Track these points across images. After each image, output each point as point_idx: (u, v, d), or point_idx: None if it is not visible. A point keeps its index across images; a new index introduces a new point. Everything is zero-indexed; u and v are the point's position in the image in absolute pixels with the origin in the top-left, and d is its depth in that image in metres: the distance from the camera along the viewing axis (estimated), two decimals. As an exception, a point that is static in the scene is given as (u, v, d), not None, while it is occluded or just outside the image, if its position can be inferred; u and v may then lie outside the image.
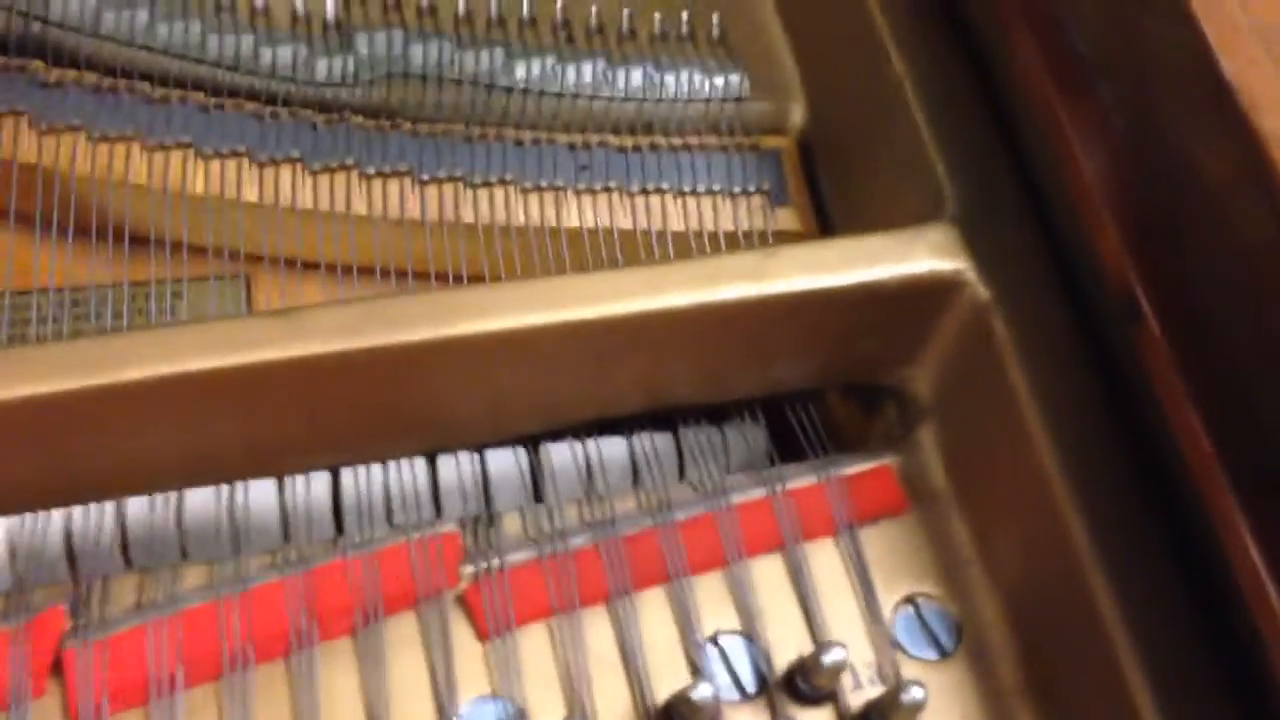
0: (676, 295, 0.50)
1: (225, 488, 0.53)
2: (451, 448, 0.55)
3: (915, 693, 0.46)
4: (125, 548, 0.52)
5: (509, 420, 0.53)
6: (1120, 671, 0.45)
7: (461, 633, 0.49)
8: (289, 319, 0.48)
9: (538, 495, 0.55)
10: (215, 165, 0.60)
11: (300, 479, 0.54)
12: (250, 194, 0.60)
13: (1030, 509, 0.50)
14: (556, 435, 0.56)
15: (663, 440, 0.57)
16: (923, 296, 0.52)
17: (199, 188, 0.60)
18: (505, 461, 0.56)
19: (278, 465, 0.53)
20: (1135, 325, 0.46)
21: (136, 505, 0.52)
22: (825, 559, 0.52)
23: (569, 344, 0.49)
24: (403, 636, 0.48)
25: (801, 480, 0.53)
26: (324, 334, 0.48)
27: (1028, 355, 0.51)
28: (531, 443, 0.56)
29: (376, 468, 0.54)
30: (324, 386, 0.48)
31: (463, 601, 0.49)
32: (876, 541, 0.53)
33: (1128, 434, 0.49)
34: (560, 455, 0.56)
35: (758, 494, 0.53)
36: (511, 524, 0.52)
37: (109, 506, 0.51)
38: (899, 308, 0.52)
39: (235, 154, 0.60)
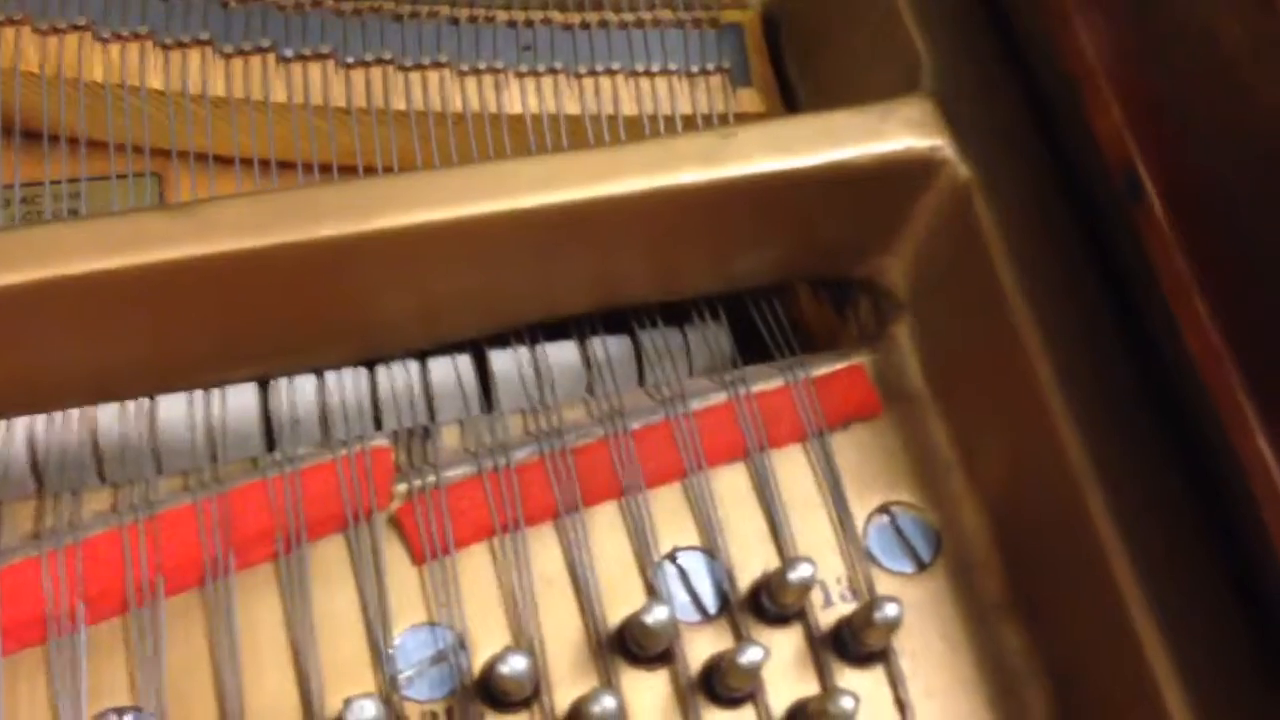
0: (627, 180, 0.45)
1: (146, 402, 0.48)
2: (385, 355, 0.50)
3: (890, 610, 0.42)
4: (36, 469, 0.47)
5: (446, 324, 0.49)
6: (1114, 585, 0.41)
7: (395, 557, 0.44)
8: (193, 213, 0.43)
9: (488, 406, 0.51)
10: (115, 49, 0.55)
11: (220, 393, 0.49)
12: (155, 81, 0.55)
13: (1017, 410, 0.46)
14: (503, 341, 0.52)
15: (618, 345, 0.52)
16: (897, 177, 0.47)
17: (97, 74, 0.54)
18: (449, 370, 0.51)
19: (191, 378, 0.48)
20: (1136, 204, 0.42)
21: (43, 423, 0.47)
22: (793, 467, 0.48)
23: (505, 237, 0.45)
24: (330, 562, 0.44)
25: (766, 383, 0.49)
26: (232, 230, 0.43)
27: (1013, 241, 0.46)
28: (477, 350, 0.51)
29: (309, 380, 0.50)
30: (232, 289, 0.43)
31: (395, 522, 0.45)
32: (848, 447, 0.48)
33: (1124, 327, 0.45)
34: (506, 362, 0.51)
35: (719, 399, 0.48)
36: (449, 437, 0.47)
37: (10, 424, 0.47)
38: (871, 190, 0.47)
39: (137, 36, 0.55)
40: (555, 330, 0.52)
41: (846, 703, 0.41)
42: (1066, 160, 0.47)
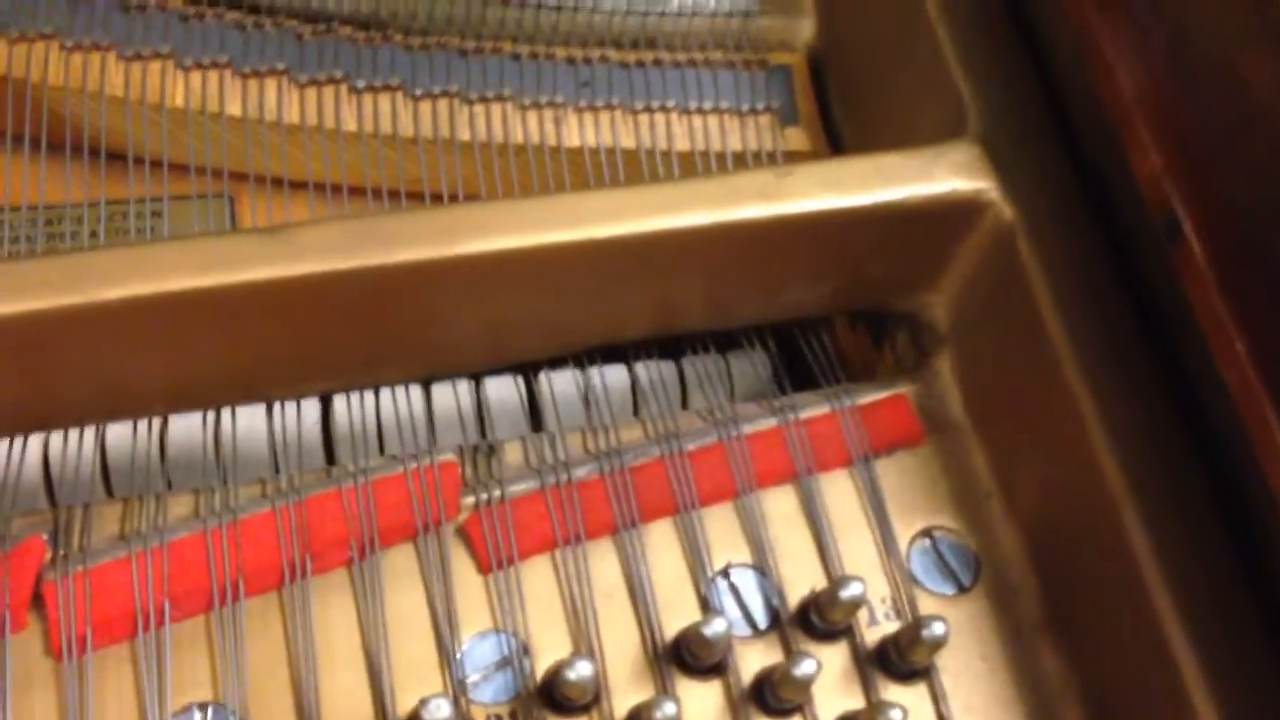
0: (690, 215, 0.47)
1: (211, 414, 0.51)
2: (449, 374, 0.52)
3: (937, 628, 0.44)
4: (106, 476, 0.50)
5: (510, 345, 0.51)
6: (1150, 608, 0.43)
7: (462, 566, 0.47)
8: (277, 236, 0.45)
9: (536, 425, 0.53)
10: (196, 77, 0.57)
11: (290, 406, 0.51)
12: (233, 108, 0.57)
13: (1056, 441, 0.48)
14: (556, 364, 0.54)
15: (666, 369, 0.55)
16: (944, 218, 0.49)
17: (178, 100, 0.57)
18: (503, 390, 0.54)
19: (265, 391, 0.50)
20: (1175, 245, 0.44)
21: (118, 431, 0.50)
22: (839, 491, 0.50)
23: (575, 265, 0.47)
24: (401, 569, 0.46)
25: (814, 409, 0.51)
26: (314, 252, 0.45)
27: (1054, 280, 0.48)
28: (530, 371, 0.54)
29: (370, 395, 0.52)
30: (313, 308, 0.46)
31: (463, 533, 0.47)
32: (892, 473, 0.51)
33: (1161, 363, 0.47)
34: (560, 383, 0.54)
35: (769, 423, 0.51)
36: (513, 453, 0.50)
37: (90, 432, 0.49)
38: (918, 229, 0.49)
39: (217, 65, 0.57)
40: (605, 354, 0.54)
41: (895, 715, 0.43)
42: (1106, 202, 0.50)
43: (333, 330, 0.47)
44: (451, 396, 0.53)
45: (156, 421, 0.50)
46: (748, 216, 0.47)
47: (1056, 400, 0.47)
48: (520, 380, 0.54)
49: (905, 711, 0.43)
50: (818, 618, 0.46)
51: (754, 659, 0.46)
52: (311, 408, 0.52)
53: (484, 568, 0.46)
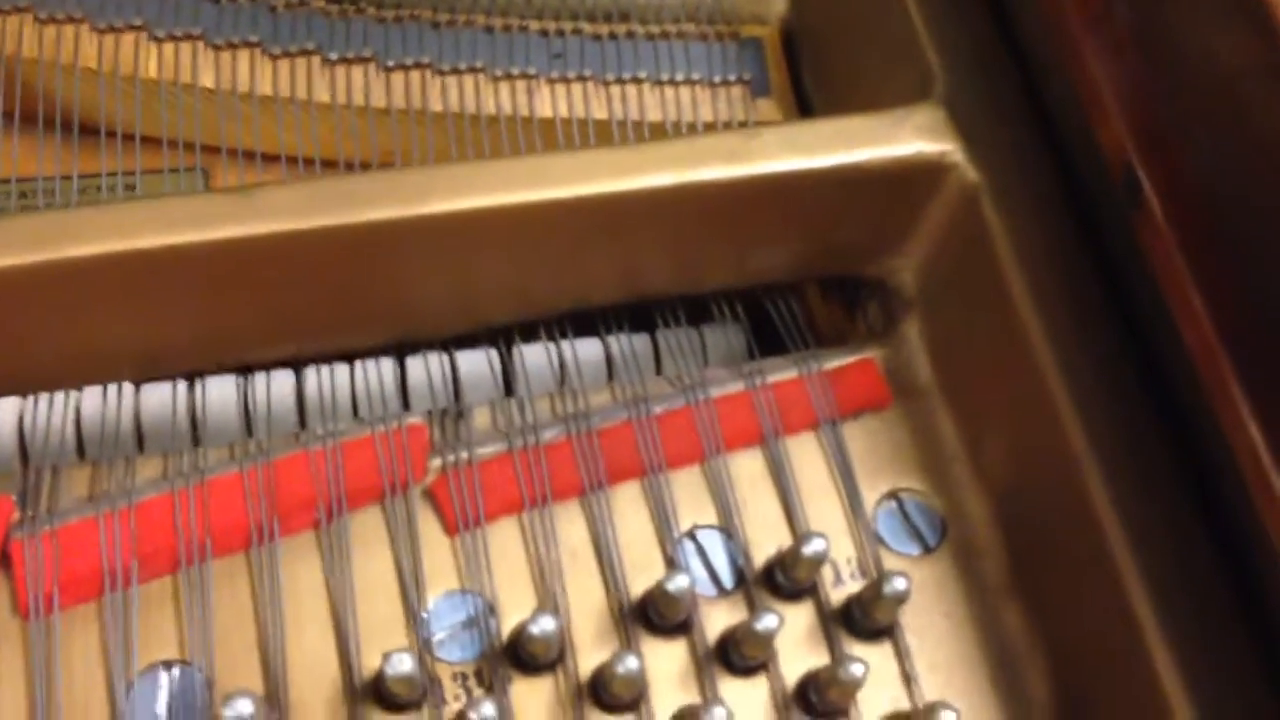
0: (655, 175, 0.47)
1: (184, 385, 0.51)
2: (420, 337, 0.52)
3: (898, 584, 0.44)
4: (80, 440, 0.50)
5: (480, 308, 0.51)
6: (1113, 568, 0.43)
7: (429, 527, 0.47)
8: (246, 196, 0.45)
9: (509, 394, 0.53)
10: (169, 49, 0.57)
11: (263, 375, 0.51)
12: (206, 80, 0.57)
13: (1021, 404, 0.48)
14: (530, 335, 0.54)
15: (639, 341, 0.55)
16: (908, 180, 0.50)
17: (152, 72, 0.57)
18: (477, 360, 0.54)
19: (236, 354, 0.50)
20: (1136, 207, 0.44)
21: (92, 396, 0.50)
22: (806, 453, 0.50)
23: (541, 226, 0.47)
24: (368, 530, 0.46)
25: (781, 374, 0.51)
26: (283, 212, 0.46)
27: (1019, 243, 0.49)
28: (504, 343, 0.54)
29: (343, 366, 0.52)
30: (283, 268, 0.46)
31: (430, 495, 0.47)
32: (859, 436, 0.51)
33: (1124, 324, 0.47)
34: (534, 355, 0.54)
35: (736, 387, 0.51)
36: (481, 418, 0.50)
37: (62, 397, 0.49)
38: (883, 192, 0.50)
39: (190, 37, 0.57)
40: (579, 326, 0.55)
41: (856, 669, 0.43)
42: (1070, 166, 0.50)
43: (300, 291, 0.48)
44: (425, 368, 0.53)
45: (130, 391, 0.51)
46: (714, 177, 0.48)
47: (1021, 364, 0.48)
48: (494, 353, 0.54)
49: (867, 666, 0.43)
50: (782, 576, 0.47)
51: (719, 618, 0.46)
52: (285, 379, 0.52)
53: (451, 529, 0.47)
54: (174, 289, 0.46)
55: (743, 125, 0.59)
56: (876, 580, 0.45)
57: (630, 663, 0.42)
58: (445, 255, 0.47)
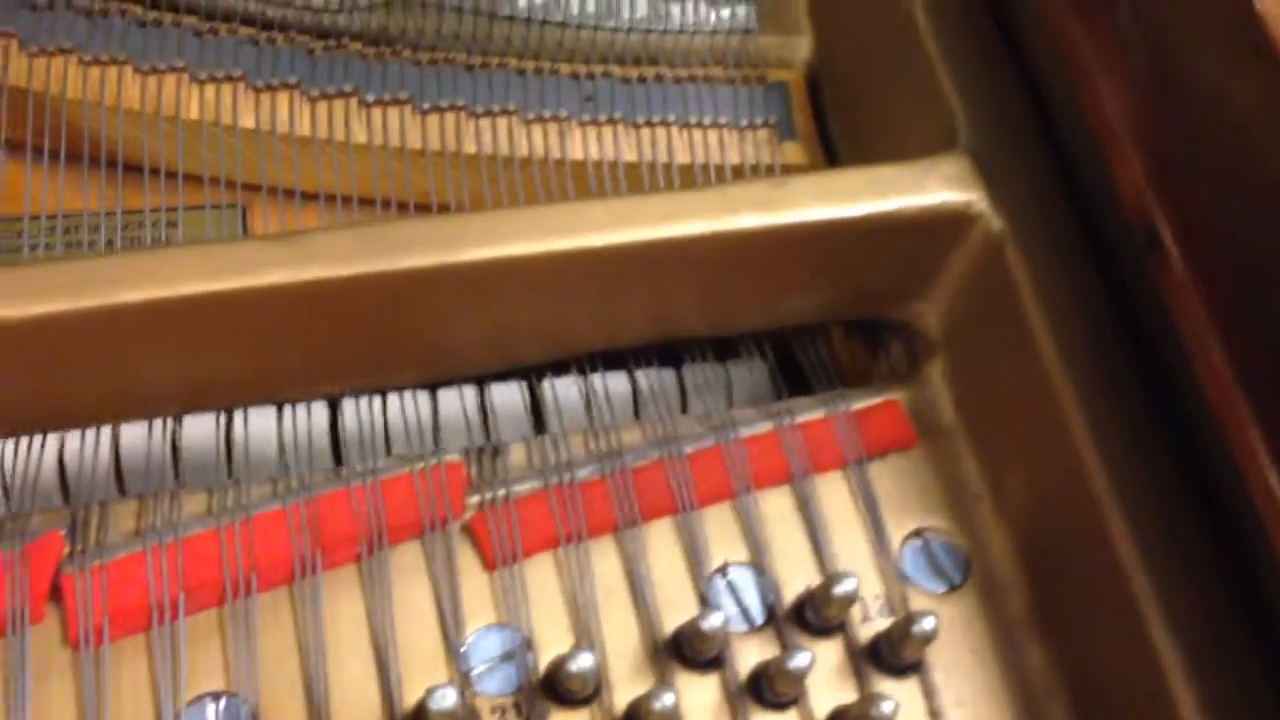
0: (689, 224, 0.49)
1: (223, 415, 0.52)
2: (455, 377, 0.54)
3: (927, 623, 0.46)
4: (120, 474, 0.51)
5: (513, 349, 0.53)
6: (1134, 605, 0.44)
7: (468, 562, 0.48)
8: (289, 242, 0.47)
9: (539, 430, 0.54)
10: (210, 90, 0.59)
11: (300, 408, 0.53)
12: (247, 120, 0.59)
13: (1043, 445, 0.49)
14: (559, 370, 0.55)
15: (667, 376, 0.56)
16: (935, 228, 0.51)
17: (194, 113, 0.58)
18: (507, 395, 0.55)
19: (276, 393, 0.52)
20: (1154, 254, 0.45)
21: (132, 431, 0.51)
22: (833, 492, 0.51)
23: (576, 272, 0.49)
24: (408, 565, 0.48)
25: (809, 414, 0.53)
26: (325, 258, 0.47)
27: (1042, 289, 0.50)
28: (533, 377, 0.55)
29: (377, 399, 0.54)
30: (324, 312, 0.47)
31: (469, 531, 0.48)
32: (885, 476, 0.52)
33: (1145, 370, 0.49)
34: (564, 389, 0.55)
35: (765, 427, 0.52)
36: (517, 455, 0.51)
37: (104, 432, 0.50)
38: (911, 240, 0.51)
39: (231, 79, 0.59)
40: (607, 361, 0.56)
41: (887, 706, 0.44)
42: (1091, 214, 0.51)
43: (340, 334, 0.49)
44: (458, 401, 0.55)
45: (170, 425, 0.52)
46: (744, 226, 0.49)
47: (1044, 406, 0.49)
48: (524, 386, 0.55)
49: (897, 704, 0.44)
50: (812, 614, 0.48)
51: (751, 654, 0.47)
52: (320, 412, 0.53)
53: (489, 564, 0.48)
54: (215, 333, 0.47)
55: (770, 170, 0.61)
56: (905, 618, 0.46)
57: (667, 699, 0.43)
58: (481, 300, 0.48)
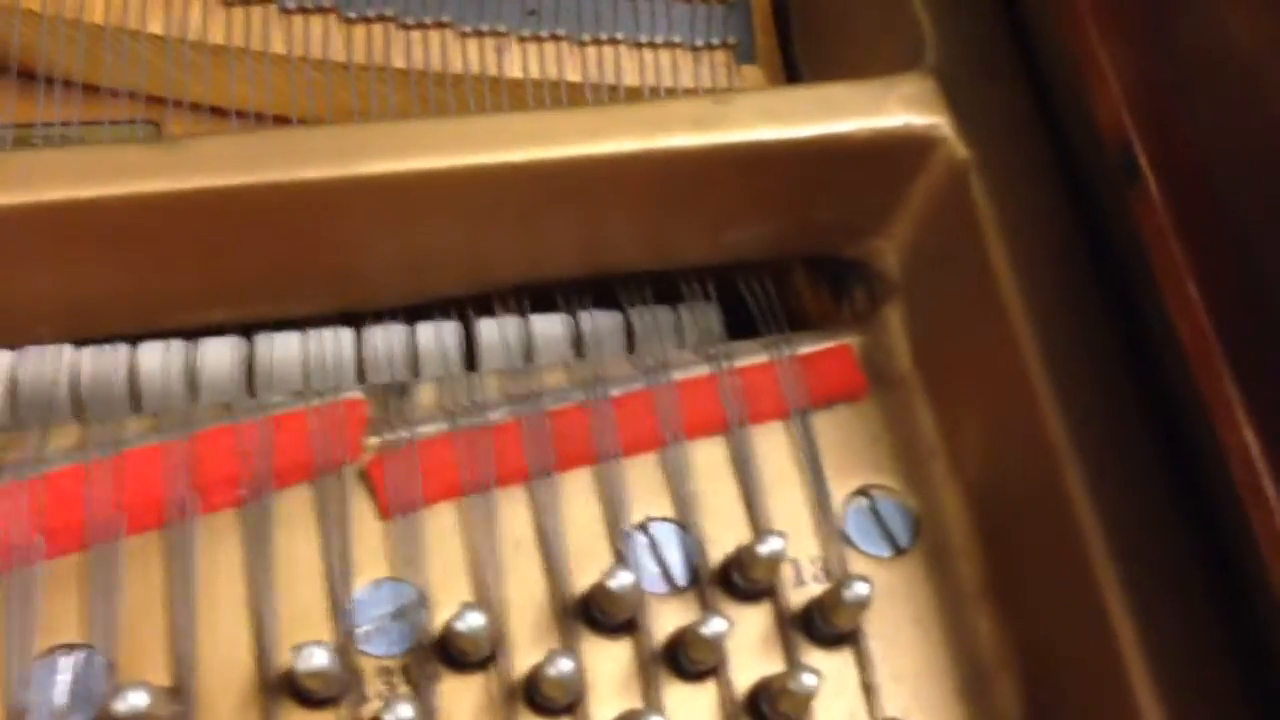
0: (617, 140, 0.44)
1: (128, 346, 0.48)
2: (369, 307, 0.49)
3: (859, 588, 0.41)
4: (14, 403, 0.47)
5: (429, 278, 0.48)
6: (1090, 572, 0.40)
7: (361, 510, 0.44)
8: (169, 148, 0.42)
9: (471, 368, 0.50)
10: (116, -9, 0.54)
11: (215, 342, 0.48)
12: (155, 25, 0.54)
13: (1004, 399, 0.45)
14: (493, 311, 0.51)
15: (609, 320, 0.52)
16: (894, 154, 0.46)
17: (96, 16, 0.54)
18: (435, 335, 0.51)
19: (169, 316, 0.47)
20: (1132, 186, 0.40)
21: (22, 359, 0.47)
22: (772, 444, 0.47)
23: (493, 190, 0.44)
24: (295, 512, 0.43)
25: (751, 358, 0.48)
26: (219, 166, 0.42)
27: (1008, 225, 0.45)
28: (464, 318, 0.51)
29: (294, 336, 0.49)
30: (211, 227, 0.43)
31: (364, 476, 0.44)
32: (830, 427, 0.47)
33: (1117, 318, 0.44)
34: (494, 330, 0.50)
35: (701, 371, 0.47)
36: (426, 395, 0.46)
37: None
38: (866, 167, 0.46)
39: (139, -20, 0.54)
40: (547, 304, 0.51)
41: (808, 680, 0.40)
42: (1065, 142, 0.46)
43: (234, 253, 0.45)
44: (382, 340, 0.50)
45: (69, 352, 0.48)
46: (679, 144, 0.44)
47: (1005, 358, 0.44)
48: (457, 326, 0.51)
49: (821, 676, 0.40)
50: (739, 576, 0.43)
51: (670, 618, 0.43)
52: (235, 346, 0.49)
53: (384, 513, 0.44)
54: (100, 245, 0.43)
55: (718, 91, 0.56)
56: (837, 583, 0.42)
57: (563, 664, 0.39)
58: (388, 220, 0.44)
